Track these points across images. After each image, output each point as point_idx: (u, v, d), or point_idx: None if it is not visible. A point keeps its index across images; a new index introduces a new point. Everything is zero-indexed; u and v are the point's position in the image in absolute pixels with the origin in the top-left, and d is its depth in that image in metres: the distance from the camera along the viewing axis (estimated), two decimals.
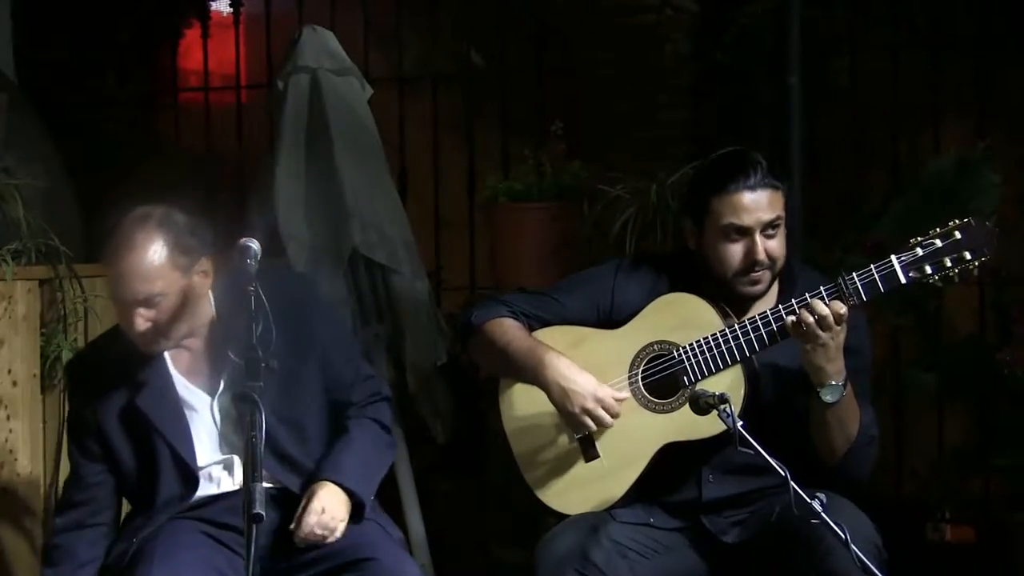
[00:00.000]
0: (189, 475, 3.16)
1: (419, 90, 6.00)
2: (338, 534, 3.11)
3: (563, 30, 5.71)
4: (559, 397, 3.23)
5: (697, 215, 3.27)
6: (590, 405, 3.21)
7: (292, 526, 3.09)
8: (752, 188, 3.18)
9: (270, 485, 3.16)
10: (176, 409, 3.18)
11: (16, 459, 3.98)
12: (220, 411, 3.20)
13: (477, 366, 4.49)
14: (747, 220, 3.18)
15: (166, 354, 3.20)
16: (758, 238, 3.19)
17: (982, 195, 4.39)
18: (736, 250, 3.20)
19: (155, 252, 3.05)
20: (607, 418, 3.21)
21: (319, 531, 3.09)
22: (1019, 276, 4.93)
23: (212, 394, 3.19)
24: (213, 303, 3.21)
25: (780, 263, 3.24)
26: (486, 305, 3.44)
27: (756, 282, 3.22)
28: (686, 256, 3.34)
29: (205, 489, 3.20)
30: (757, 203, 3.18)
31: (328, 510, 3.10)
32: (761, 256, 3.19)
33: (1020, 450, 4.61)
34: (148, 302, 3.07)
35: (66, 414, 3.35)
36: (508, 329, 3.36)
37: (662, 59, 5.28)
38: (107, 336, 3.36)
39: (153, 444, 3.17)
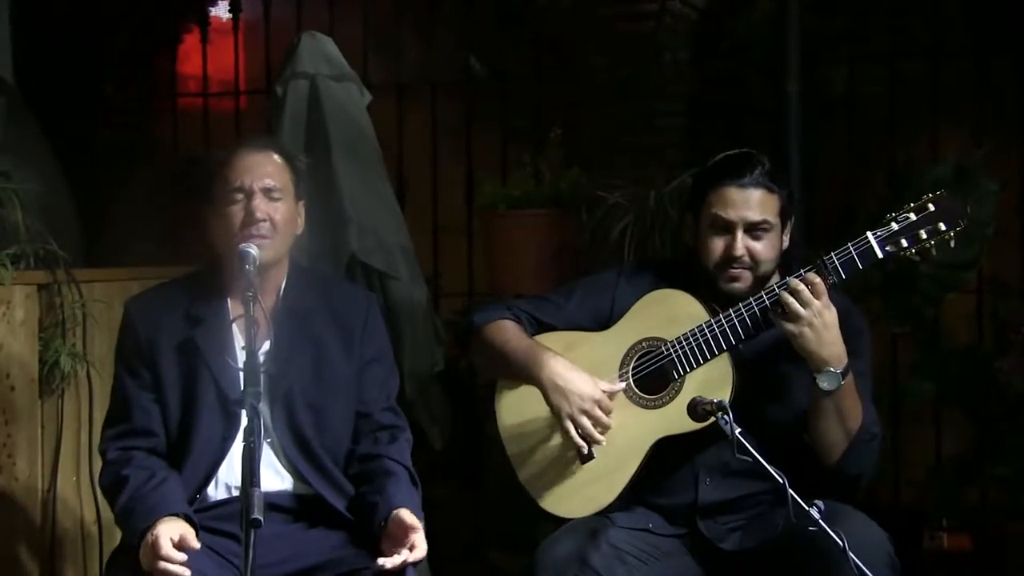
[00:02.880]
0: (231, 413, 3.16)
1: (418, 97, 6.01)
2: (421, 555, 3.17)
3: (562, 37, 5.72)
4: (555, 397, 3.24)
5: (695, 207, 3.32)
6: (587, 406, 3.22)
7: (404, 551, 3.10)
8: (743, 185, 3.22)
9: (277, 489, 3.19)
10: (229, 349, 3.20)
11: (15, 464, 3.98)
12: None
13: (475, 372, 4.49)
14: (731, 214, 3.22)
15: (229, 304, 3.26)
16: (739, 235, 3.22)
17: (979, 203, 4.40)
18: (718, 243, 3.24)
19: (277, 156, 3.27)
20: (604, 417, 3.22)
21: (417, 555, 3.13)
22: (1017, 285, 4.94)
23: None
24: (286, 275, 3.30)
25: (765, 267, 3.25)
26: (488, 308, 3.47)
27: (734, 279, 3.25)
28: (685, 261, 3.38)
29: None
30: (745, 200, 3.22)
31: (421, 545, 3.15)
32: (738, 253, 3.22)
33: (1017, 459, 4.62)
34: (270, 193, 3.20)
35: (116, 348, 3.34)
36: (507, 330, 3.38)
37: (661, 67, 5.29)
38: (170, 283, 3.42)
39: (199, 379, 3.19)
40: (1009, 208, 4.83)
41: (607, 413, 3.23)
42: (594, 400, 3.22)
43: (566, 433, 3.26)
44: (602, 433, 3.23)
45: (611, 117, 5.34)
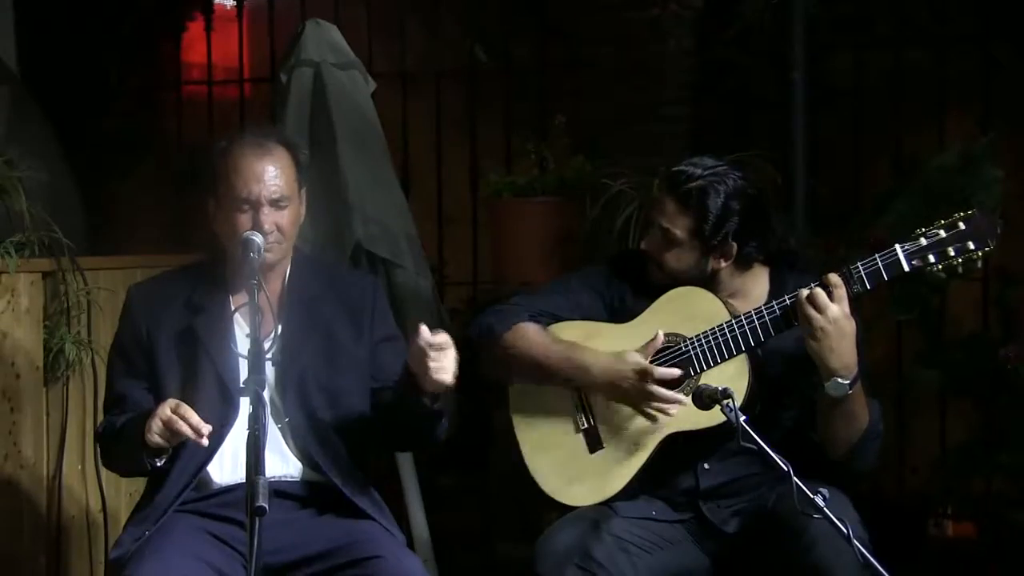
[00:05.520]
0: (229, 398, 3.17)
1: (422, 85, 5.99)
2: (446, 379, 3.06)
3: (566, 25, 5.71)
4: (616, 393, 3.25)
5: None
6: (649, 388, 3.22)
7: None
8: (665, 187, 3.32)
9: (283, 474, 3.20)
10: (229, 337, 3.21)
11: (20, 451, 3.99)
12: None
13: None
14: (652, 213, 3.36)
15: (231, 292, 3.27)
16: (650, 232, 3.34)
17: (985, 190, 4.39)
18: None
19: (284, 156, 3.24)
20: (665, 392, 3.21)
21: (445, 366, 3.05)
22: (1023, 272, 4.93)
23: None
24: (290, 263, 3.32)
25: (673, 275, 3.31)
26: (501, 312, 3.43)
27: (649, 271, 3.35)
28: None
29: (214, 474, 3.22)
30: (660, 203, 3.33)
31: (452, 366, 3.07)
32: (644, 247, 3.35)
33: (1022, 447, 4.61)
34: (278, 203, 3.19)
35: (116, 335, 3.37)
36: (534, 335, 3.37)
37: (665, 54, 5.28)
38: (173, 272, 3.44)
39: (199, 366, 3.20)
40: (1015, 195, 4.81)
41: (666, 385, 3.23)
42: (647, 374, 3.21)
43: (580, 425, 3.30)
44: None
45: (615, 105, 5.33)
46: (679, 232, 3.26)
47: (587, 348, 3.30)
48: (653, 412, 3.24)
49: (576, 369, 3.28)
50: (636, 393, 3.23)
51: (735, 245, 3.27)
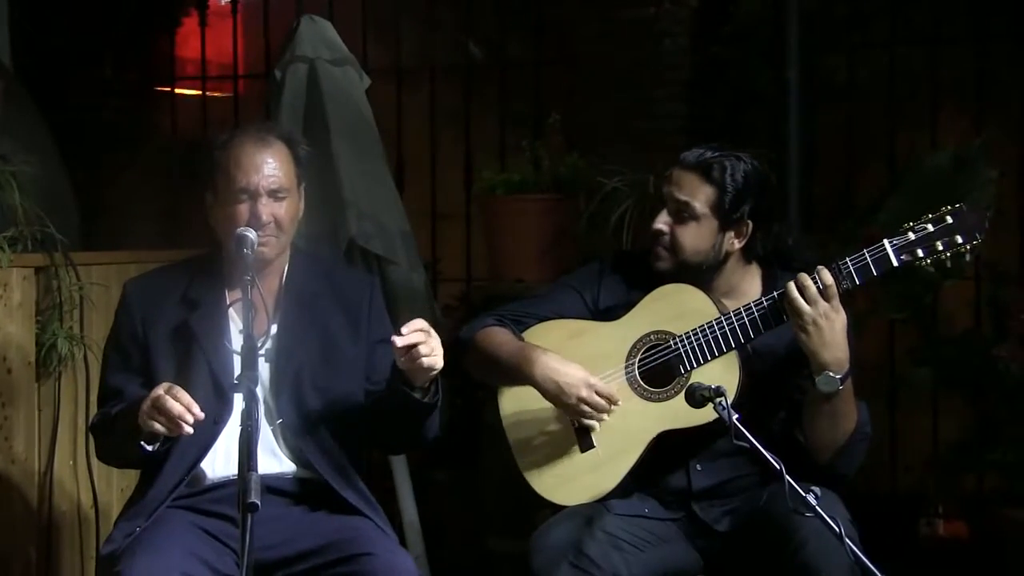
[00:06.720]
0: (223, 394, 3.16)
1: (417, 81, 5.99)
2: (436, 363, 3.04)
3: (562, 22, 5.71)
4: (553, 391, 3.23)
5: None
6: (584, 393, 3.21)
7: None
8: (682, 165, 3.29)
9: (275, 472, 3.19)
10: (224, 333, 3.21)
11: (11, 446, 3.98)
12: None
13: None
14: (665, 188, 3.31)
15: (227, 288, 3.26)
16: (663, 212, 3.29)
17: (978, 190, 4.39)
18: (654, 218, 3.33)
19: (283, 150, 3.24)
20: (603, 403, 3.21)
21: (433, 349, 3.02)
22: (1015, 271, 4.94)
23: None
24: (288, 259, 3.31)
25: (685, 255, 3.28)
26: (473, 322, 3.47)
27: (656, 257, 3.32)
28: None
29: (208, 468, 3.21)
30: (678, 179, 3.28)
31: (438, 348, 3.05)
32: (655, 226, 3.30)
33: (1015, 445, 4.61)
34: (276, 194, 3.19)
35: (112, 329, 3.35)
36: (496, 335, 3.37)
37: (661, 52, 5.29)
38: (169, 267, 3.44)
39: (193, 361, 3.19)
40: (1008, 194, 4.82)
41: (609, 399, 3.22)
42: (589, 385, 3.22)
43: (571, 425, 3.27)
44: (608, 414, 3.22)
45: (611, 102, 5.33)
46: (699, 205, 3.24)
47: (540, 349, 3.28)
48: (582, 415, 3.22)
49: (523, 363, 3.26)
50: (573, 394, 3.21)
51: (750, 224, 3.27)
